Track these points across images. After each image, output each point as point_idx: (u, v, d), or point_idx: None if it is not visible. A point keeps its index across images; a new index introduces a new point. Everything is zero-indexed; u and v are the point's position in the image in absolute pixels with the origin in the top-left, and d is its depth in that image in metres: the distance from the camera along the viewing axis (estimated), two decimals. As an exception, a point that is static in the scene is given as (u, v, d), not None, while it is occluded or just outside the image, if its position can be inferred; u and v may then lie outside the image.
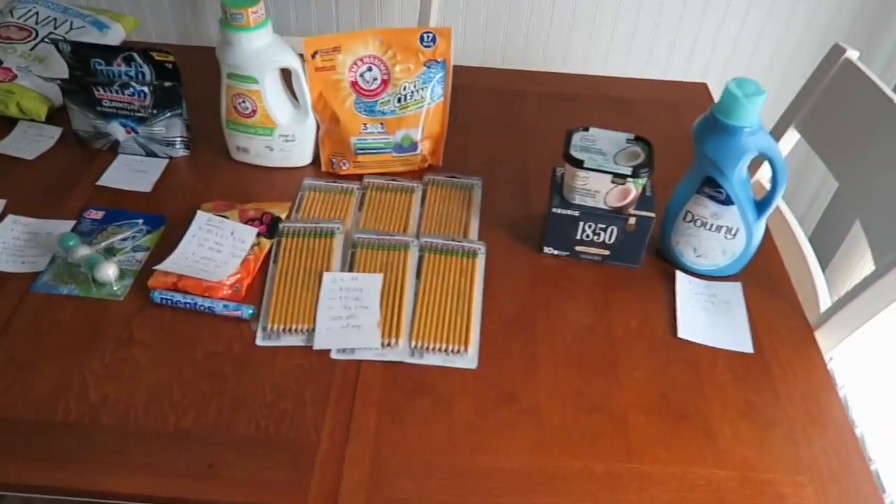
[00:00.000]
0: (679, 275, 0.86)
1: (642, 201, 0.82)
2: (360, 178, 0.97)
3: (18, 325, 0.75)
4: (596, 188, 0.80)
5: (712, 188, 0.79)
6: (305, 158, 0.98)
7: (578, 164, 0.78)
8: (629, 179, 0.78)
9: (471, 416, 0.70)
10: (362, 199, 0.93)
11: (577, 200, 0.82)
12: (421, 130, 0.95)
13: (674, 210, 0.84)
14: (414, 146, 0.96)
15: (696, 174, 0.80)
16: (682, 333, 0.79)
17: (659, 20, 1.57)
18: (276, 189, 0.95)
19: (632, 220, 0.82)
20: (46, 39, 1.07)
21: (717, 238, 0.82)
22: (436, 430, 0.68)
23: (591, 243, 0.85)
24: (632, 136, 0.83)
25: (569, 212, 0.82)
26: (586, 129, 0.83)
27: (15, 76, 1.00)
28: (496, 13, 1.57)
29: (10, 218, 0.87)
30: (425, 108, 0.93)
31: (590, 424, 0.70)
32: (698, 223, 0.82)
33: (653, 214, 0.81)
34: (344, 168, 0.97)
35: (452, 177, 0.98)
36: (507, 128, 1.10)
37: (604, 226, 0.83)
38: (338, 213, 0.91)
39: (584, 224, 0.83)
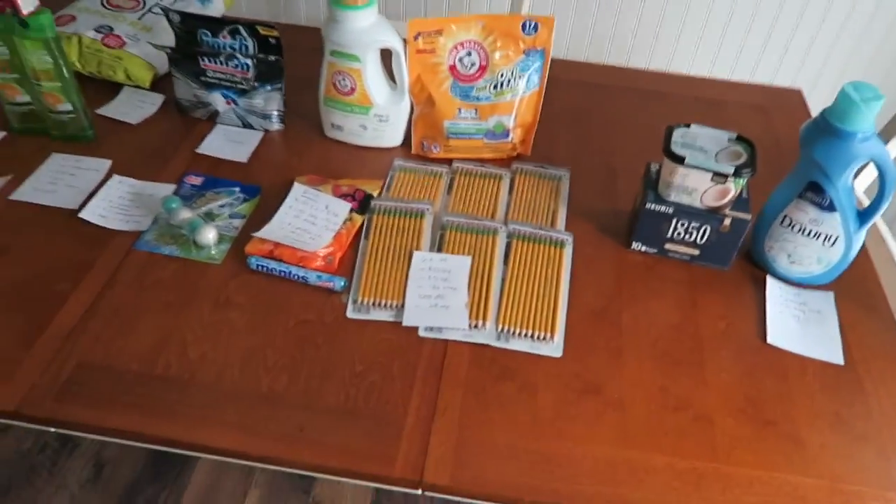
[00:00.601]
0: (770, 280, 0.84)
1: (738, 203, 0.81)
2: (449, 161, 0.98)
3: (123, 280, 0.79)
4: (694, 186, 0.79)
5: (816, 194, 0.77)
6: (397, 139, 0.99)
7: (679, 160, 0.77)
8: (730, 179, 0.77)
9: (555, 403, 0.70)
10: (451, 183, 0.94)
11: (673, 197, 0.81)
12: (514, 118, 0.95)
13: (770, 214, 0.82)
14: (505, 133, 0.96)
15: (799, 178, 0.78)
16: (771, 339, 0.78)
17: (751, 23, 1.54)
18: (367, 168, 0.97)
19: (727, 221, 0.80)
20: (154, 9, 1.11)
21: (814, 245, 0.80)
22: (520, 414, 0.69)
23: (682, 242, 0.84)
24: (734, 136, 0.81)
25: (663, 208, 0.81)
26: (687, 126, 0.82)
27: (124, 43, 1.04)
28: (585, 8, 1.56)
29: (115, 178, 0.91)
30: (520, 96, 0.94)
31: (675, 422, 0.69)
32: (796, 228, 0.80)
33: (749, 216, 0.80)
34: (434, 151, 0.98)
35: (541, 166, 0.98)
36: (596, 122, 1.10)
37: (697, 225, 0.81)
38: (427, 195, 0.92)
39: (678, 222, 0.82)
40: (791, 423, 0.70)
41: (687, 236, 0.83)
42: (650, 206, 0.82)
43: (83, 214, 0.85)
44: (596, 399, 0.71)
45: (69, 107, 0.92)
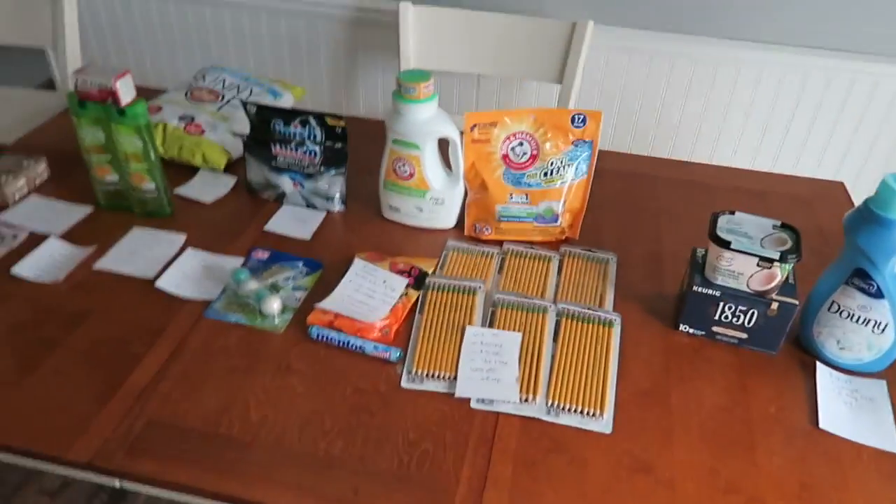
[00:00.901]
0: (820, 366, 0.85)
1: (785, 288, 0.83)
2: (500, 243, 1.02)
3: (192, 345, 0.83)
4: (740, 270, 0.81)
5: (862, 280, 0.79)
6: (450, 221, 1.05)
7: (725, 244, 0.80)
8: (776, 264, 0.79)
9: (605, 479, 0.71)
10: (502, 264, 0.98)
11: (720, 281, 0.83)
12: (563, 204, 1.00)
13: (818, 299, 0.84)
14: (555, 218, 1.01)
15: (845, 265, 0.80)
16: (824, 425, 0.77)
17: (792, 116, 1.59)
18: (422, 247, 1.02)
19: (774, 306, 0.82)
20: (232, 102, 1.21)
21: (863, 332, 0.81)
22: (570, 488, 0.70)
23: (730, 325, 0.85)
24: (778, 223, 0.84)
25: (710, 291, 0.84)
26: (732, 213, 0.85)
27: (203, 131, 1.14)
28: (629, 103, 1.64)
29: (189, 250, 0.97)
30: (569, 183, 0.99)
31: (727, 504, 0.69)
32: (844, 314, 0.81)
33: (796, 301, 0.82)
34: (486, 233, 1.03)
35: (588, 250, 1.02)
36: (641, 209, 1.14)
37: (745, 308, 0.83)
38: (478, 274, 0.96)
39: (725, 305, 0.84)
40: (848, 511, 0.69)
41: (734, 319, 0.85)
42: (697, 288, 0.84)
43: (159, 283, 0.91)
44: (646, 477, 0.71)
45: (152, 186, 1.00)
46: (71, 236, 0.99)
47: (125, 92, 0.92)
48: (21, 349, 0.81)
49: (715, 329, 0.87)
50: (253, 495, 0.67)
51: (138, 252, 0.97)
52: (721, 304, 0.84)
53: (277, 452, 0.72)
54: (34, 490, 1.46)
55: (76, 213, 1.04)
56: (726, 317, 0.85)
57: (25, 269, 0.92)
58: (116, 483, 0.73)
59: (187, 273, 0.93)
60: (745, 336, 0.86)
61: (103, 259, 0.95)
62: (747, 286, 0.82)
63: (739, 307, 0.84)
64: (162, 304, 0.89)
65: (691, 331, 0.88)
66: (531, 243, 1.03)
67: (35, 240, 0.98)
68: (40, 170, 1.10)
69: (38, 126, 1.28)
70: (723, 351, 0.87)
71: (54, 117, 1.31)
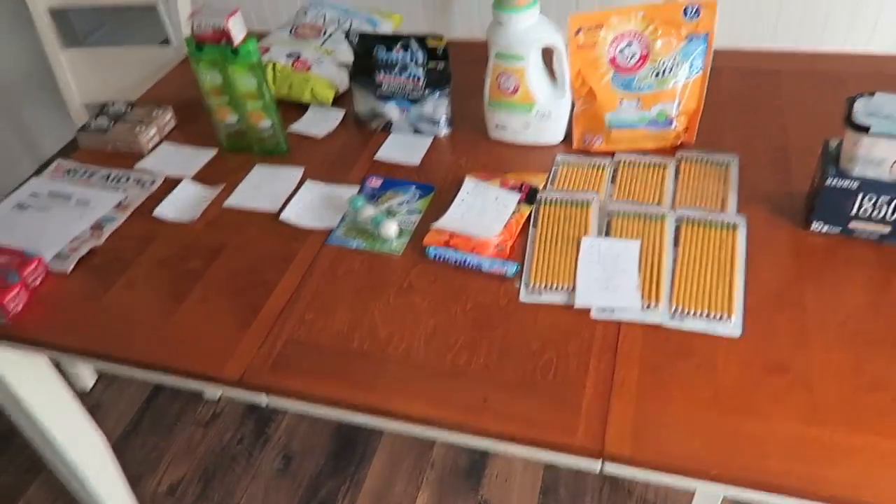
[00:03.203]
0: (978, 257, 0.77)
1: (935, 174, 0.75)
2: (611, 154, 0.99)
3: (319, 270, 0.88)
4: (882, 156, 0.75)
5: None
6: (558, 136, 1.03)
7: (863, 129, 0.74)
8: (925, 147, 0.72)
9: (737, 381, 0.69)
10: (614, 174, 0.96)
11: (858, 172, 0.77)
12: (677, 105, 0.95)
13: (976, 184, 0.76)
14: (669, 122, 0.96)
15: None
16: (984, 318, 0.71)
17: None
18: (532, 164, 1.01)
19: (922, 194, 0.75)
20: (334, 35, 1.23)
21: None
22: (701, 391, 0.69)
23: (870, 219, 0.79)
24: (927, 102, 0.76)
25: (847, 183, 0.78)
26: (871, 95, 0.78)
27: (310, 66, 1.17)
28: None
29: (307, 183, 1.01)
30: (683, 82, 0.94)
31: (872, 401, 0.66)
32: None
33: (949, 188, 0.74)
34: (596, 144, 1.00)
35: (707, 153, 0.97)
36: (762, 107, 1.06)
37: (888, 198, 0.77)
38: (591, 186, 0.94)
39: (864, 197, 0.78)
40: None
41: (875, 213, 0.79)
42: (832, 181, 0.78)
43: (283, 216, 0.96)
44: (781, 378, 0.69)
45: (269, 124, 1.05)
46: (201, 178, 1.06)
47: (237, 30, 0.96)
48: (170, 282, 0.89)
49: (852, 225, 0.81)
50: (389, 405, 0.72)
51: (262, 188, 1.02)
52: (860, 196, 0.78)
53: (406, 366, 0.75)
54: (190, 421, 1.62)
55: (203, 156, 1.10)
56: (865, 210, 0.79)
57: (165, 210, 1.00)
58: (264, 399, 0.79)
59: (308, 204, 0.98)
60: (887, 230, 0.80)
61: (231, 197, 1.01)
62: (891, 174, 0.76)
63: (882, 198, 0.77)
64: (288, 235, 0.94)
65: (825, 228, 0.83)
66: (645, 151, 0.99)
67: (170, 183, 1.05)
68: (168, 118, 1.17)
69: (160, 79, 1.36)
70: (862, 248, 0.81)
71: (174, 68, 1.39)
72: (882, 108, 0.76)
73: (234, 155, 1.10)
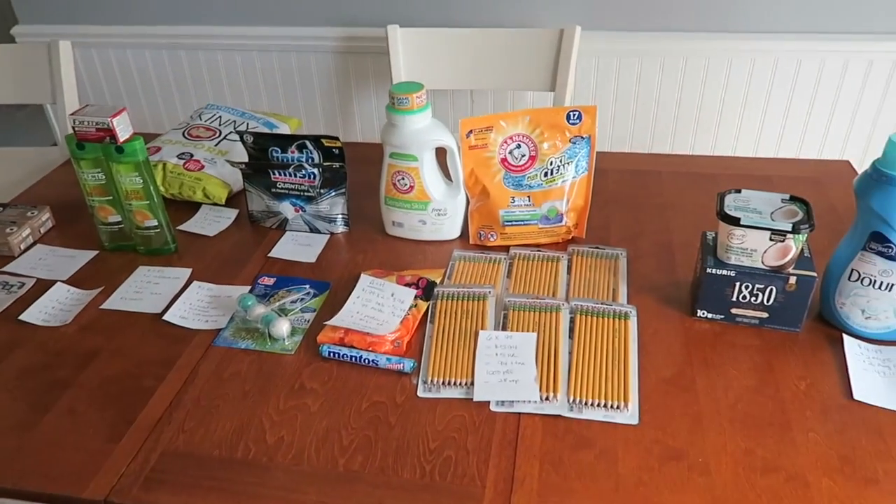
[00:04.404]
0: (847, 339, 0.82)
1: (801, 262, 0.80)
2: (506, 249, 1.01)
3: (203, 374, 0.82)
4: (753, 247, 0.79)
5: (880, 244, 0.76)
6: (455, 232, 1.04)
7: (734, 221, 0.79)
8: (789, 236, 0.77)
9: (637, 470, 0.68)
10: (510, 268, 0.97)
11: (733, 260, 0.81)
12: (566, 202, 0.99)
13: (837, 270, 0.82)
14: (559, 218, 0.99)
15: (861, 231, 0.78)
16: (858, 396, 0.74)
17: (789, 103, 1.58)
18: (429, 260, 1.01)
19: (792, 280, 0.80)
20: (230, 136, 1.22)
21: (888, 298, 0.78)
22: (602, 482, 0.67)
23: (749, 305, 0.83)
24: (787, 196, 0.83)
25: (724, 272, 0.82)
26: (738, 191, 0.84)
27: (203, 166, 1.15)
28: (624, 102, 1.64)
29: (195, 284, 0.97)
30: (570, 181, 0.98)
31: (766, 485, 0.66)
32: (866, 282, 0.79)
33: (814, 274, 0.79)
34: (492, 240, 1.01)
35: (597, 247, 1.00)
36: (647, 205, 1.13)
37: (762, 286, 0.81)
38: (487, 280, 0.95)
39: (741, 284, 0.82)
40: (894, 481, 0.66)
41: (753, 299, 0.83)
42: (711, 270, 0.82)
43: (166, 317, 0.90)
44: (679, 465, 0.69)
45: (155, 223, 1.00)
46: (77, 280, 0.99)
47: (122, 129, 0.93)
48: (33, 392, 0.80)
49: (734, 311, 0.84)
50: (274, 517, 0.65)
51: (144, 289, 0.96)
52: (737, 283, 0.82)
53: (296, 473, 0.70)
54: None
55: (82, 257, 1.04)
56: (744, 297, 0.83)
57: (33, 315, 0.92)
58: (135, 519, 0.71)
59: (194, 305, 0.93)
60: (765, 315, 0.83)
61: (110, 299, 0.95)
62: (762, 262, 0.80)
63: (756, 285, 0.81)
64: (171, 338, 0.88)
65: (710, 315, 0.86)
66: (538, 246, 1.01)
67: (42, 286, 0.97)
68: (44, 219, 1.10)
69: (41, 179, 1.30)
70: (744, 333, 0.85)
71: (57, 168, 1.33)
72: (749, 202, 0.82)
73: (118, 256, 1.04)
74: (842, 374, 0.78)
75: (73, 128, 0.93)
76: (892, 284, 0.78)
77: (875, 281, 0.78)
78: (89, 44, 1.88)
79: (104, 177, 0.97)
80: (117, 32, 1.85)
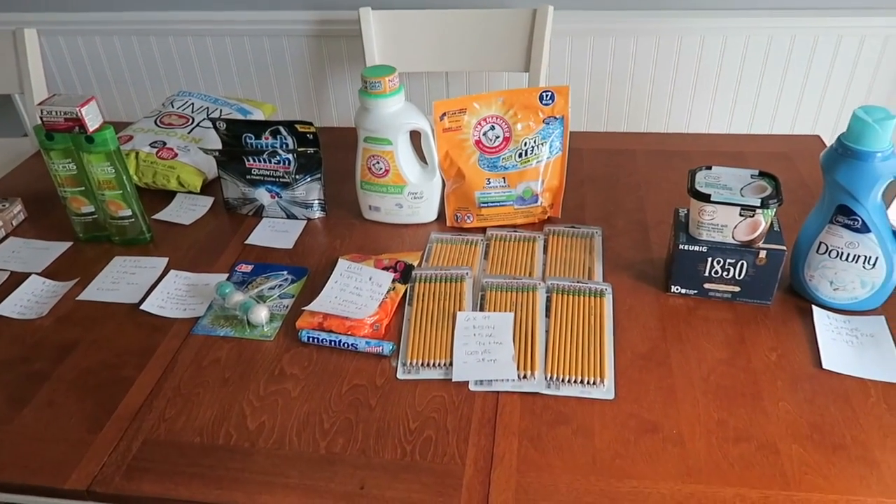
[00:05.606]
0: (816, 310, 0.84)
1: (770, 236, 0.82)
2: (483, 230, 1.02)
3: (183, 362, 0.82)
4: (723, 222, 0.81)
5: (846, 216, 0.78)
6: (431, 214, 1.04)
7: (705, 198, 0.80)
8: (758, 211, 0.79)
9: (613, 444, 0.70)
10: (487, 249, 0.98)
11: (705, 236, 0.83)
12: (541, 183, 0.99)
13: (805, 243, 0.83)
14: (535, 198, 1.00)
15: (828, 204, 0.80)
16: (827, 365, 0.77)
17: (761, 80, 1.59)
18: (406, 243, 1.01)
19: (762, 254, 0.82)
20: (203, 124, 1.21)
21: (855, 269, 0.80)
22: (579, 456, 0.68)
23: (721, 280, 0.85)
24: (756, 172, 0.84)
25: (696, 248, 0.83)
26: (709, 168, 0.85)
27: (176, 154, 1.14)
28: (599, 82, 1.64)
29: (172, 273, 0.96)
30: (545, 161, 0.99)
31: (738, 453, 0.68)
32: (833, 254, 0.81)
33: (784, 247, 0.81)
34: (468, 221, 1.02)
35: (572, 227, 1.01)
36: (621, 183, 1.14)
37: (733, 261, 0.83)
38: (465, 262, 0.95)
39: (713, 259, 0.83)
40: (861, 446, 0.68)
41: (725, 273, 0.84)
42: (683, 246, 0.84)
43: (144, 307, 0.90)
44: (654, 437, 0.70)
45: (129, 212, 1.00)
46: (52, 272, 0.98)
47: (92, 118, 0.92)
48: (10, 385, 0.80)
49: (707, 286, 0.86)
50: (258, 502, 0.66)
51: (121, 280, 0.96)
52: (709, 259, 0.83)
53: (278, 457, 0.70)
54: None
55: (56, 249, 1.03)
56: (716, 272, 0.84)
57: (8, 308, 0.91)
58: (119, 509, 0.71)
59: (172, 294, 0.92)
60: (737, 289, 0.85)
61: (86, 290, 0.94)
62: (733, 237, 0.82)
63: (728, 260, 0.83)
64: (149, 327, 0.87)
65: (683, 291, 0.87)
66: (514, 227, 1.02)
67: (16, 279, 0.96)
68: (16, 211, 1.09)
69: (11, 171, 1.28)
70: (717, 307, 0.86)
71: (28, 160, 1.31)
72: (719, 178, 0.83)
73: (93, 247, 1.03)
74: (811, 345, 0.80)
75: (42, 118, 0.92)
76: (858, 256, 0.80)
77: (842, 253, 0.80)
78: (56, 31, 1.84)
79: (75, 167, 0.96)
80: (85, 19, 1.82)
